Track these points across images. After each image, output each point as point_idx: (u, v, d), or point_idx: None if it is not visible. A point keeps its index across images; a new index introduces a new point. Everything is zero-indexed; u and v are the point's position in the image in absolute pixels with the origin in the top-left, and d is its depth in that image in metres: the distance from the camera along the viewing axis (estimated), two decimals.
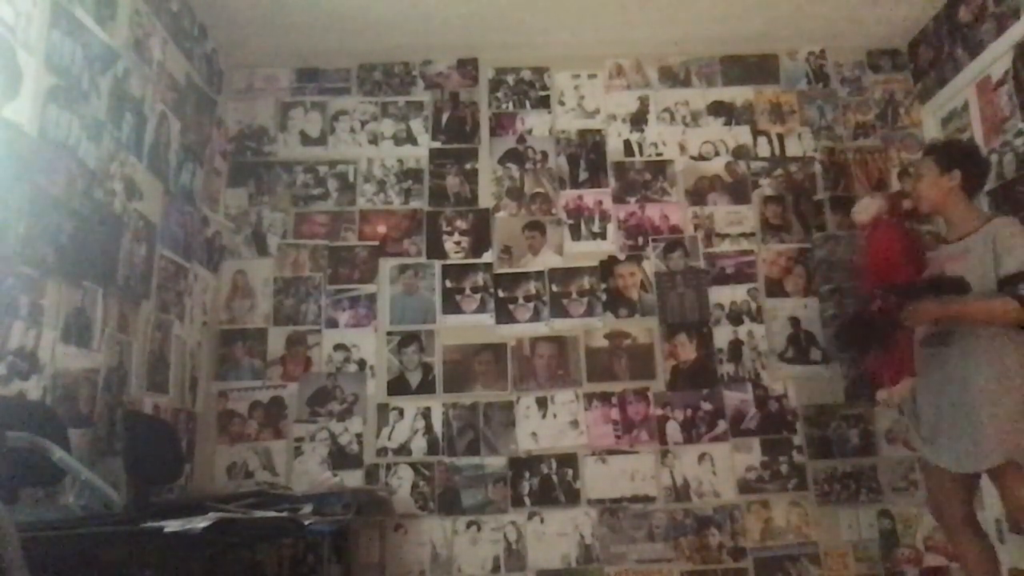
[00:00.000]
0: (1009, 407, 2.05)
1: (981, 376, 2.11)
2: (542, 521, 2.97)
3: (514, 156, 3.40)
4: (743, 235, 3.31)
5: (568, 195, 3.35)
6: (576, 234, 3.31)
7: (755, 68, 3.53)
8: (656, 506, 2.99)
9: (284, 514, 2.10)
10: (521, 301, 3.21)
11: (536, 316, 3.19)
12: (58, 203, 2.03)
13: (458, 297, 3.21)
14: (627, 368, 3.14)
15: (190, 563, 2.23)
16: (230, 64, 3.42)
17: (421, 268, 3.24)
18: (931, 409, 2.30)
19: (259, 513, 1.97)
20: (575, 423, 3.08)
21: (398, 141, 3.41)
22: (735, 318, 3.21)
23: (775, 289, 3.24)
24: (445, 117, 3.45)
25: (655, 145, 3.42)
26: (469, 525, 2.96)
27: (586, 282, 3.24)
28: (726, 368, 3.15)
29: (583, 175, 3.38)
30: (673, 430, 3.07)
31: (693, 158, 3.41)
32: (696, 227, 3.31)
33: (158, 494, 2.51)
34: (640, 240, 3.29)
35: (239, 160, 3.36)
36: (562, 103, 3.47)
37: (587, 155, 3.41)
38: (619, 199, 3.34)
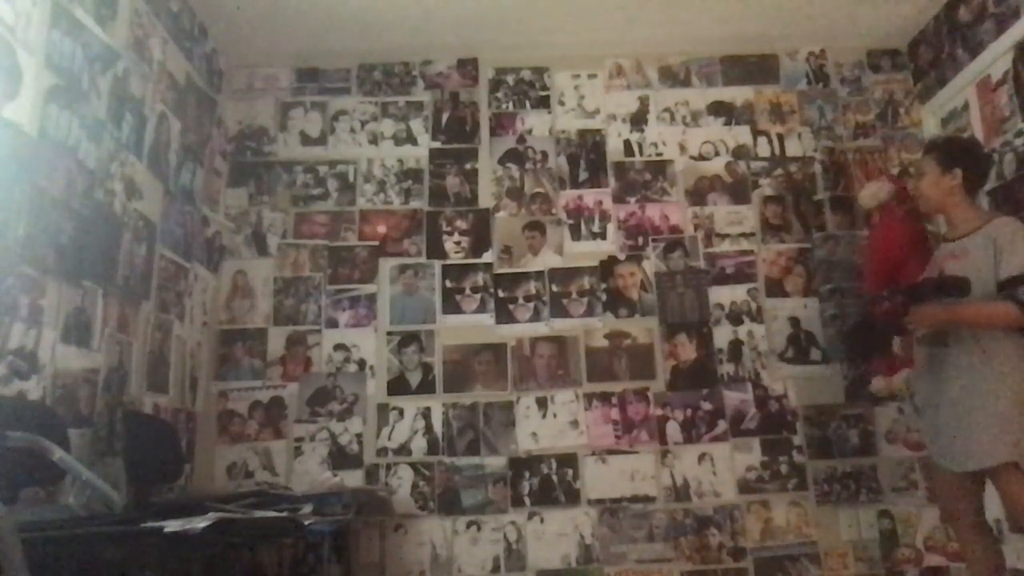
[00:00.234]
0: (1007, 407, 2.05)
1: (980, 375, 2.11)
2: (542, 521, 2.97)
3: (514, 156, 3.40)
4: (743, 235, 3.31)
5: (568, 195, 3.35)
6: (576, 234, 3.31)
7: (755, 68, 3.53)
8: (656, 506, 2.99)
9: (284, 514, 2.10)
10: (521, 301, 3.21)
11: (536, 316, 3.19)
12: (58, 203, 2.03)
13: (458, 297, 3.21)
14: (627, 368, 3.14)
15: (190, 563, 2.23)
16: (230, 64, 3.42)
17: (421, 268, 3.24)
18: (931, 408, 2.30)
19: (259, 513, 1.97)
20: (575, 423, 3.08)
21: (398, 141, 3.41)
22: (735, 318, 3.21)
23: (775, 289, 3.24)
24: (445, 117, 3.45)
25: (655, 145, 3.42)
26: (469, 525, 2.96)
27: (586, 282, 3.24)
28: (726, 368, 3.15)
29: (583, 175, 3.38)
30: (673, 430, 3.07)
31: (693, 158, 3.41)
32: (696, 227, 3.31)
33: (158, 494, 2.51)
34: (640, 240, 3.29)
35: (239, 160, 3.36)
36: (562, 103, 3.47)
37: (587, 155, 3.41)
38: (619, 199, 3.34)
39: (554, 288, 3.23)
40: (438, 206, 3.33)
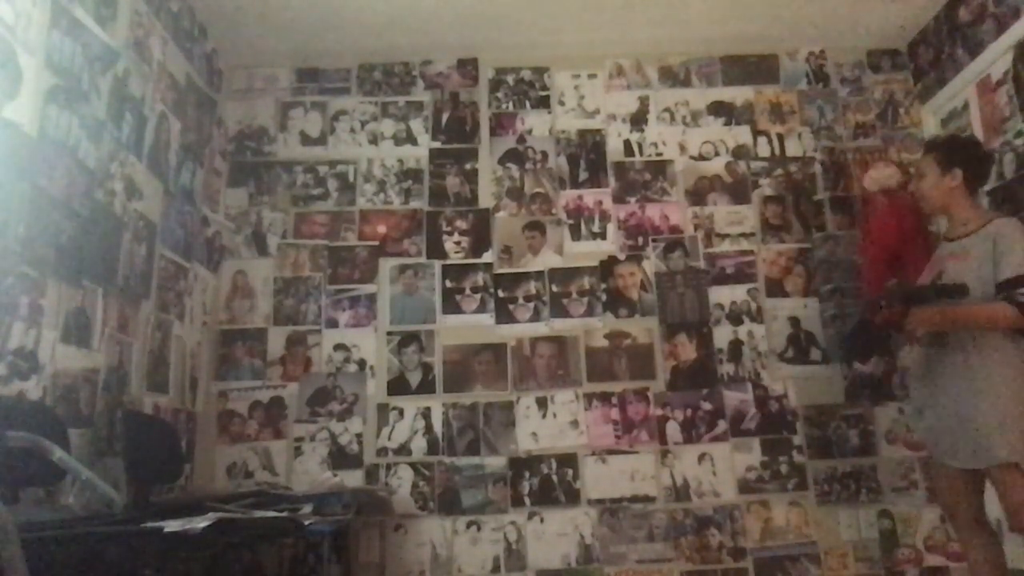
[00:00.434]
0: (1007, 406, 2.05)
1: (979, 375, 2.11)
2: (542, 521, 2.97)
3: (514, 156, 3.40)
4: (743, 235, 3.31)
5: (568, 195, 3.35)
6: (576, 234, 3.31)
7: (755, 68, 3.53)
8: (656, 506, 2.99)
9: (284, 514, 2.10)
10: (521, 301, 3.21)
11: (536, 316, 3.19)
12: (58, 203, 2.03)
13: (458, 297, 3.21)
14: (627, 368, 3.14)
15: (190, 563, 2.23)
16: (230, 64, 3.42)
17: (421, 268, 3.24)
18: (930, 409, 2.31)
19: (259, 513, 1.97)
20: (575, 423, 3.08)
21: (398, 141, 3.41)
22: (735, 318, 3.21)
23: (775, 289, 3.24)
24: (445, 117, 3.45)
25: (655, 145, 3.42)
26: (469, 525, 2.96)
27: (586, 282, 3.24)
28: (726, 368, 3.15)
29: (583, 175, 3.38)
30: (673, 430, 3.07)
31: (693, 158, 3.41)
32: (696, 227, 3.31)
33: (158, 494, 2.51)
34: (640, 240, 3.29)
35: (239, 160, 3.36)
36: (562, 103, 3.47)
37: (587, 155, 3.41)
38: (619, 199, 3.34)
39: (554, 288, 3.23)
40: (438, 206, 3.33)
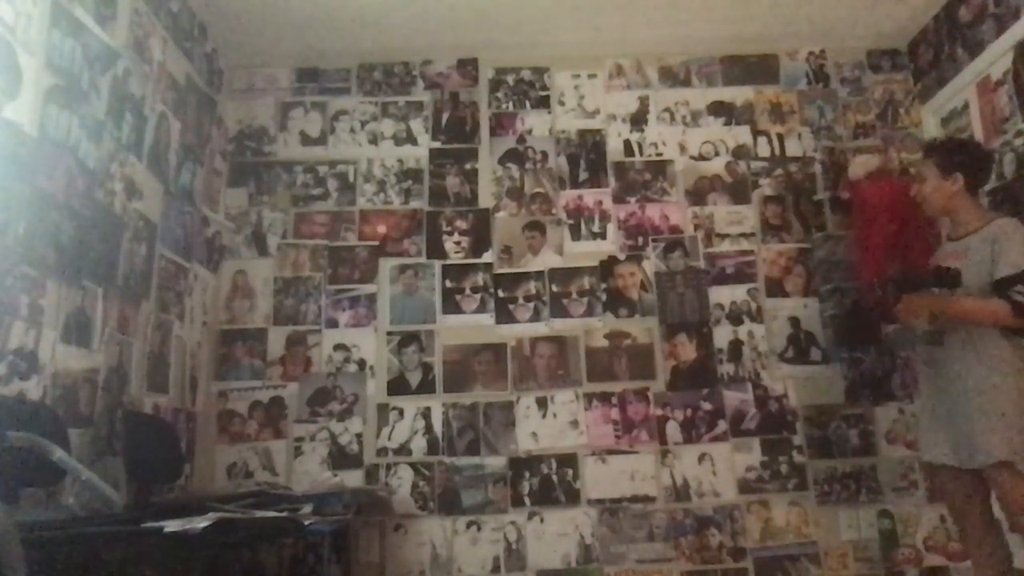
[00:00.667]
0: (1005, 406, 2.05)
1: (977, 375, 2.12)
2: (542, 521, 2.97)
3: (514, 156, 3.40)
4: (743, 235, 3.31)
5: (568, 195, 3.35)
6: (576, 234, 3.31)
7: (755, 68, 3.53)
8: (656, 506, 2.99)
9: (284, 514, 2.10)
10: (521, 301, 3.21)
11: (536, 316, 3.19)
12: (58, 203, 2.03)
13: (458, 297, 3.21)
14: (627, 368, 3.14)
15: (190, 563, 2.23)
16: (230, 64, 3.42)
17: (421, 268, 3.24)
18: (929, 408, 2.31)
19: (259, 513, 1.97)
20: (575, 423, 3.08)
21: (398, 141, 3.41)
22: (735, 318, 3.21)
23: (775, 289, 3.24)
24: (445, 117, 3.45)
25: (655, 145, 3.42)
26: (469, 525, 2.96)
27: (586, 282, 3.24)
28: (726, 368, 3.15)
29: (583, 175, 3.38)
30: (673, 430, 3.07)
31: (693, 158, 3.41)
32: (696, 227, 3.31)
33: (158, 494, 2.51)
34: (640, 240, 3.29)
35: (239, 160, 3.36)
36: (562, 103, 3.47)
37: (587, 155, 3.41)
38: (619, 199, 3.34)
39: (554, 288, 3.23)
40: (438, 206, 3.33)
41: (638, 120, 3.45)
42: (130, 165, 2.47)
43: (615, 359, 3.15)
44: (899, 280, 2.32)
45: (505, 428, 3.07)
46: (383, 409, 3.08)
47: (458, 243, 3.28)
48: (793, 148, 3.43)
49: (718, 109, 3.47)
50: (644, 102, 3.47)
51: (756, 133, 3.44)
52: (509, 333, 3.17)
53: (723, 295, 3.23)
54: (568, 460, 3.04)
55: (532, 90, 3.49)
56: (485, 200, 3.34)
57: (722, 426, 3.08)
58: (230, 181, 3.32)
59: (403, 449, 3.03)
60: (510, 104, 3.47)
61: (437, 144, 3.41)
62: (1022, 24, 2.71)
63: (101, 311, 2.23)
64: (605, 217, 3.32)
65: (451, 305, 3.20)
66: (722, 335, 3.18)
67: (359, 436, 3.04)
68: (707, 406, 3.10)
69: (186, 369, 2.87)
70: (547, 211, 3.34)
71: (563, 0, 3.14)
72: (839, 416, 3.10)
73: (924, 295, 2.25)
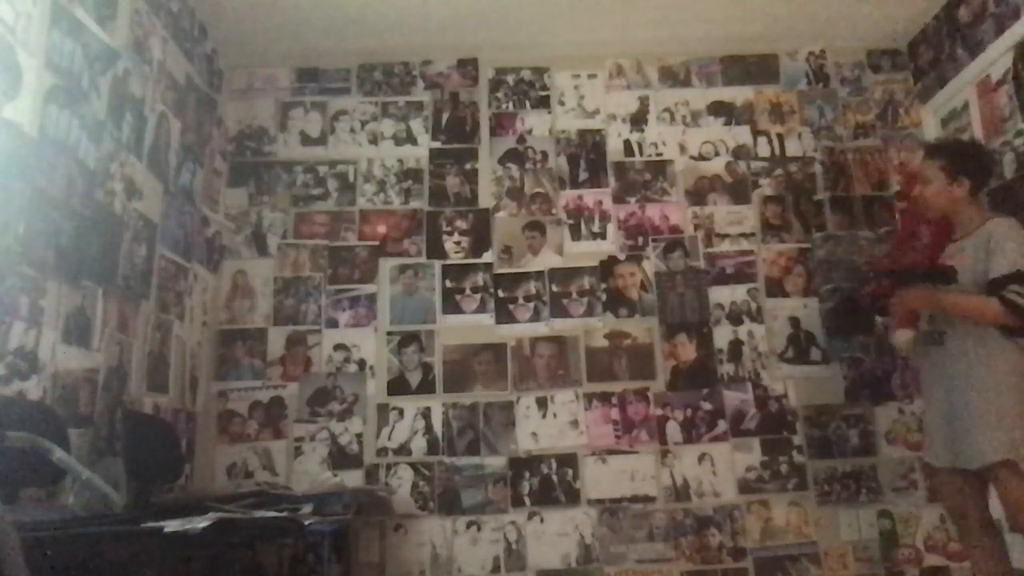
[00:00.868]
0: (1005, 405, 2.05)
1: (976, 375, 2.12)
2: (542, 521, 2.97)
3: (514, 156, 3.40)
4: (743, 235, 3.31)
5: (568, 195, 3.35)
6: (576, 234, 3.31)
7: (755, 68, 3.53)
8: (656, 506, 2.99)
9: (284, 514, 2.10)
10: (521, 301, 3.21)
11: (536, 316, 3.19)
12: (58, 203, 2.03)
13: (458, 297, 3.21)
14: (627, 368, 3.14)
15: (190, 563, 2.23)
16: (230, 64, 3.42)
17: (421, 268, 3.24)
18: (930, 409, 2.31)
19: (259, 513, 1.98)
20: (575, 423, 3.08)
21: (398, 141, 3.41)
22: (735, 318, 3.21)
23: (775, 289, 3.24)
24: (445, 117, 3.45)
25: (655, 145, 3.42)
26: (469, 525, 2.96)
27: (586, 282, 3.24)
28: (726, 368, 3.15)
29: (583, 175, 3.38)
30: (673, 430, 3.07)
31: (693, 158, 3.41)
32: (696, 227, 3.31)
33: (158, 494, 2.51)
34: (640, 240, 3.29)
35: (239, 160, 3.36)
36: (562, 103, 3.47)
37: (587, 155, 3.41)
38: (619, 199, 3.34)
39: (554, 288, 3.23)
40: (438, 206, 3.33)
41: (638, 120, 3.45)
42: (130, 165, 2.47)
43: (615, 359, 3.15)
44: (894, 273, 2.33)
45: (505, 428, 3.07)
46: (383, 409, 3.08)
47: (458, 243, 3.28)
48: (793, 148, 3.43)
49: (718, 109, 3.47)
50: (644, 102, 3.47)
51: (756, 133, 3.44)
52: (509, 333, 3.17)
53: (723, 295, 3.23)
54: (568, 460, 3.04)
55: (532, 90, 3.49)
56: (485, 200, 3.34)
57: (722, 426, 3.08)
58: (230, 181, 3.32)
59: (403, 449, 3.03)
60: (510, 104, 3.47)
61: (437, 144, 3.41)
62: (1022, 24, 2.71)
63: (101, 311, 2.23)
64: (605, 217, 3.32)
65: (451, 305, 3.20)
66: (722, 335, 3.18)
67: (359, 436, 3.04)
68: (707, 406, 3.10)
69: (186, 369, 2.87)
70: (547, 211, 3.34)
71: (563, 0, 3.14)
72: (839, 416, 3.10)
73: (918, 289, 2.26)
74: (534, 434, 3.06)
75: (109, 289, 2.29)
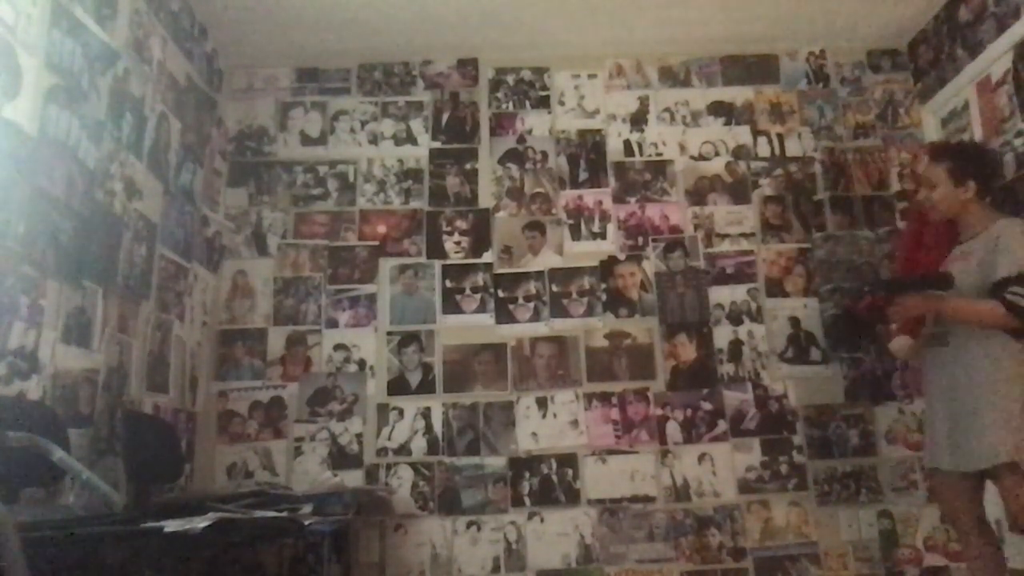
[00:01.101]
0: (1009, 407, 2.05)
1: (981, 376, 2.11)
2: (542, 521, 2.97)
3: (514, 156, 3.40)
4: (743, 235, 3.31)
5: (568, 195, 3.35)
6: (576, 234, 3.31)
7: (755, 68, 3.53)
8: (656, 506, 2.99)
9: (284, 514, 2.10)
10: (521, 301, 3.21)
11: (536, 316, 3.19)
12: (58, 203, 2.03)
13: (458, 297, 3.21)
14: (627, 368, 3.14)
15: (190, 563, 2.23)
16: (230, 64, 3.42)
17: (421, 268, 3.24)
18: (930, 409, 2.30)
19: (259, 513, 1.97)
20: (575, 423, 3.08)
21: (398, 141, 3.41)
22: (735, 318, 3.21)
23: (775, 289, 3.24)
24: (445, 117, 3.45)
25: (655, 145, 3.42)
26: (469, 525, 2.96)
27: (586, 282, 3.24)
28: (726, 368, 3.15)
29: (583, 175, 3.38)
30: (673, 430, 3.07)
31: (693, 158, 3.41)
32: (696, 227, 3.31)
33: (158, 494, 2.51)
34: (640, 240, 3.29)
35: (239, 160, 3.36)
36: (562, 103, 3.47)
37: (587, 155, 3.41)
38: (619, 199, 3.34)
39: (554, 288, 3.23)
40: (438, 206, 3.33)
41: (638, 120, 3.45)
42: (130, 165, 2.47)
43: (615, 359, 3.15)
44: (889, 283, 2.32)
45: (505, 428, 3.07)
46: (383, 409, 3.08)
47: (458, 243, 3.28)
48: (793, 148, 3.43)
49: (718, 109, 3.47)
50: (644, 102, 3.47)
51: (756, 133, 3.44)
52: (509, 333, 3.17)
53: (723, 295, 3.23)
54: (568, 460, 3.04)
55: (532, 90, 3.49)
56: (485, 200, 3.34)
57: (722, 426, 3.08)
58: (230, 181, 3.32)
59: (403, 449, 3.03)
60: (510, 104, 3.47)
61: (437, 144, 3.41)
62: (1022, 24, 2.71)
63: (101, 311, 2.23)
64: (605, 217, 3.32)
65: (451, 305, 3.20)
66: (722, 335, 3.18)
67: (359, 436, 3.04)
68: (707, 406, 3.10)
69: (186, 369, 2.87)
70: (547, 211, 3.34)
71: (563, 0, 3.14)
72: (839, 416, 3.10)
73: (917, 295, 2.24)
74: (534, 434, 3.06)
75: (109, 289, 2.29)
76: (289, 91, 3.46)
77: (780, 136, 3.44)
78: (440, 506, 2.98)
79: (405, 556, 2.92)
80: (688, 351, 3.16)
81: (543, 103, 3.47)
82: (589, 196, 3.35)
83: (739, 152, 3.42)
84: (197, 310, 2.99)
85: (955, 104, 3.19)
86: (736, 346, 3.17)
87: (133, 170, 2.49)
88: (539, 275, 3.24)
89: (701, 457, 3.05)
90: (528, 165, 3.39)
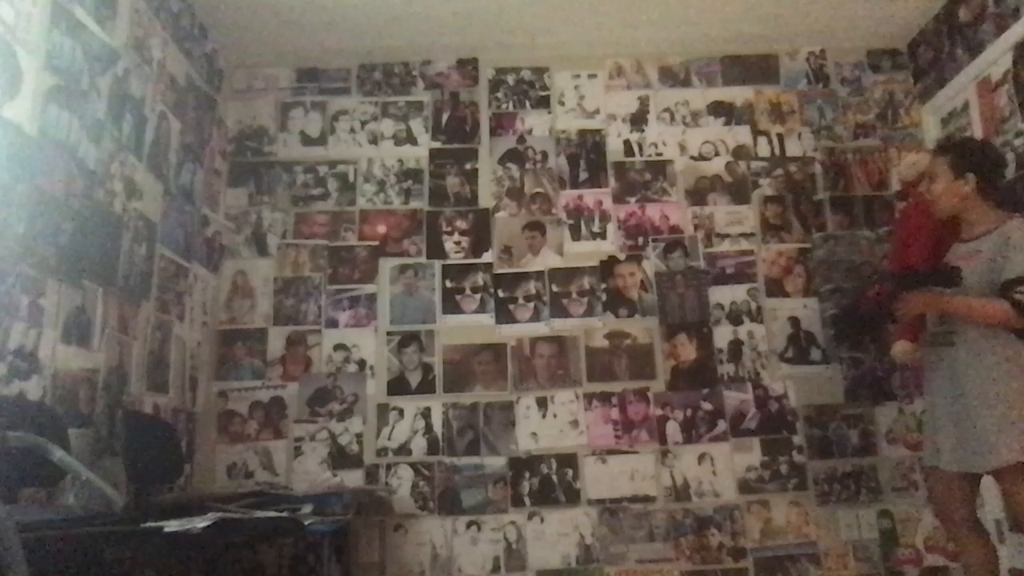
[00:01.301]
0: (1018, 408, 2.03)
1: (988, 377, 2.08)
2: (542, 521, 2.97)
3: (514, 156, 3.40)
4: (743, 235, 3.31)
5: (568, 195, 3.35)
6: (576, 234, 3.31)
7: (755, 68, 3.53)
8: (656, 506, 2.99)
9: (284, 514, 2.10)
10: (521, 301, 3.21)
11: (536, 316, 3.19)
12: (58, 203, 2.03)
13: (458, 297, 3.21)
14: (627, 368, 3.14)
15: (190, 563, 2.23)
16: (230, 64, 3.42)
17: (421, 268, 3.24)
18: (932, 409, 2.29)
19: (259, 513, 1.97)
20: (575, 423, 3.08)
21: (398, 141, 3.41)
22: (735, 318, 3.21)
23: (775, 289, 3.24)
24: (445, 117, 3.45)
25: (655, 145, 3.42)
26: (469, 525, 2.96)
27: (586, 282, 3.24)
28: (726, 368, 3.15)
29: (583, 175, 3.38)
30: (673, 430, 3.07)
31: (693, 158, 3.41)
32: (696, 227, 3.31)
33: (158, 494, 2.51)
34: (640, 240, 3.29)
35: (239, 160, 3.36)
36: (562, 103, 3.47)
37: (587, 155, 3.41)
38: (619, 199, 3.34)
39: (554, 288, 3.23)
40: (438, 206, 3.33)
41: (638, 120, 3.45)
42: (130, 165, 2.47)
43: (615, 359, 3.15)
44: (900, 277, 2.30)
45: (505, 428, 3.07)
46: (383, 409, 3.08)
47: (458, 243, 3.28)
48: (793, 148, 3.43)
49: (718, 109, 3.47)
50: (644, 102, 3.47)
51: (756, 133, 3.44)
52: (509, 333, 3.17)
53: (723, 295, 3.23)
54: (568, 460, 3.04)
55: (532, 90, 3.49)
56: (485, 200, 3.34)
57: (722, 426, 3.08)
58: (230, 181, 3.32)
59: (403, 449, 3.03)
60: (510, 104, 3.47)
61: (437, 144, 3.41)
62: (1022, 24, 2.71)
63: (101, 311, 2.23)
64: (605, 217, 3.32)
65: (451, 305, 3.20)
66: (722, 335, 3.18)
67: (359, 436, 3.04)
68: (707, 406, 3.10)
69: (186, 369, 2.87)
70: (547, 211, 3.34)
71: (563, 0, 3.14)
72: (839, 416, 3.10)
73: (924, 293, 2.23)
74: (534, 434, 3.06)
75: (109, 289, 2.29)
76: (289, 91, 3.46)
77: (780, 136, 3.44)
78: (440, 506, 2.98)
79: (405, 556, 2.92)
80: (688, 351, 3.16)
81: (543, 103, 3.47)
82: (589, 196, 3.35)
83: (739, 152, 3.42)
84: (197, 310, 2.99)
85: (955, 104, 3.19)
86: (736, 346, 3.17)
87: (133, 170, 2.49)
88: (539, 275, 3.24)
89: (701, 457, 3.05)
90: (528, 165, 3.39)
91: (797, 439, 3.07)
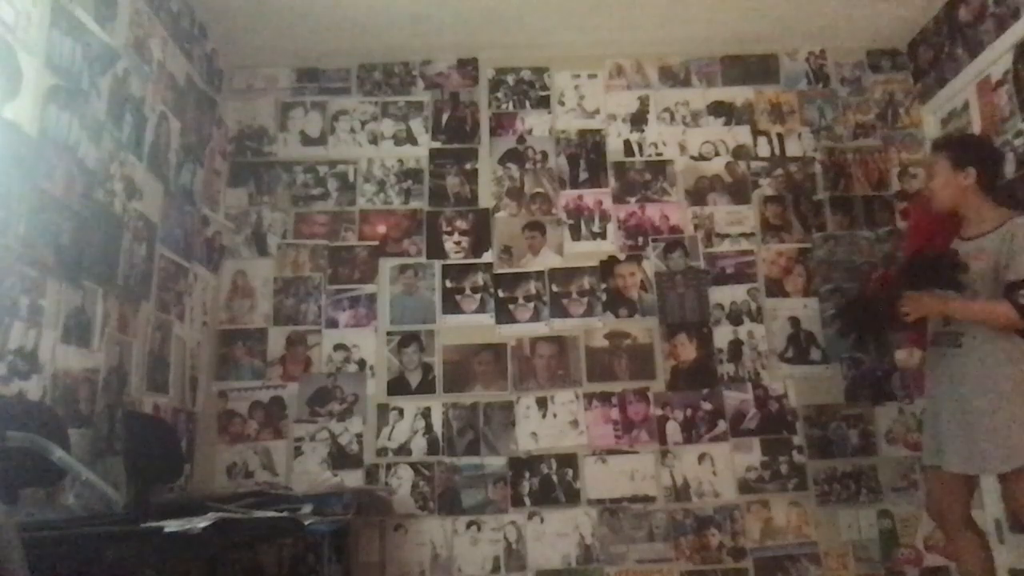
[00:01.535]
0: (1016, 409, 2.03)
1: (995, 379, 2.08)
2: (542, 521, 2.97)
3: (514, 156, 3.40)
4: (743, 235, 3.31)
5: (568, 195, 3.35)
6: (576, 234, 3.31)
7: (755, 68, 3.53)
8: (656, 506, 2.99)
9: (284, 514, 2.10)
10: (521, 301, 3.21)
11: (536, 316, 3.19)
12: (58, 203, 2.03)
13: (458, 297, 3.21)
14: (627, 368, 3.14)
15: (190, 563, 2.23)
16: (230, 64, 3.42)
17: (421, 268, 3.24)
18: (935, 410, 2.28)
19: (259, 513, 1.98)
20: (575, 423, 3.08)
21: (398, 141, 3.41)
22: (735, 318, 3.21)
23: (775, 289, 3.24)
24: (445, 117, 3.45)
25: (655, 145, 3.42)
26: (469, 525, 2.96)
27: (586, 282, 3.24)
28: (726, 368, 3.15)
29: (583, 175, 3.38)
30: (673, 430, 3.07)
31: (693, 158, 3.41)
32: (696, 227, 3.31)
33: (158, 494, 2.51)
34: (640, 240, 3.29)
35: (239, 160, 3.36)
36: (562, 103, 3.47)
37: (587, 155, 3.41)
38: (619, 199, 3.34)
39: (554, 288, 3.23)
40: (438, 206, 3.33)
41: (638, 120, 3.45)
42: (130, 165, 2.47)
43: (615, 359, 3.15)
44: (905, 264, 2.27)
45: (505, 428, 3.07)
46: (383, 409, 3.08)
47: (458, 243, 3.28)
48: (793, 148, 3.43)
49: (718, 109, 3.47)
50: (644, 102, 3.47)
51: (756, 133, 3.44)
52: (509, 333, 3.17)
53: (723, 295, 3.23)
54: (568, 460, 3.04)
55: (532, 90, 3.49)
56: (485, 200, 3.34)
57: (722, 426, 3.08)
58: (230, 181, 3.32)
59: (403, 449, 3.03)
60: (510, 104, 3.47)
61: (437, 144, 3.41)
62: (1022, 24, 2.71)
63: (101, 311, 2.23)
64: (605, 217, 3.32)
65: (451, 305, 3.20)
66: (722, 335, 3.18)
67: (359, 436, 3.04)
68: (707, 406, 3.10)
69: (186, 369, 2.87)
70: (547, 211, 3.34)
71: (563, 0, 3.14)
72: (839, 416, 3.10)
73: (928, 295, 2.23)
74: (534, 434, 3.06)
75: (109, 289, 2.29)
76: (289, 91, 3.46)
77: (780, 136, 3.44)
78: (440, 506, 2.98)
79: (405, 556, 2.92)
80: (688, 351, 3.16)
81: (543, 103, 3.47)
82: (589, 196, 3.35)
83: (739, 152, 3.42)
84: (197, 310, 2.99)
85: (955, 104, 3.19)
86: (736, 346, 3.17)
87: (133, 170, 2.49)
88: (539, 275, 3.24)
89: (701, 457, 3.05)
90: (528, 165, 3.39)
91: (797, 439, 3.07)
